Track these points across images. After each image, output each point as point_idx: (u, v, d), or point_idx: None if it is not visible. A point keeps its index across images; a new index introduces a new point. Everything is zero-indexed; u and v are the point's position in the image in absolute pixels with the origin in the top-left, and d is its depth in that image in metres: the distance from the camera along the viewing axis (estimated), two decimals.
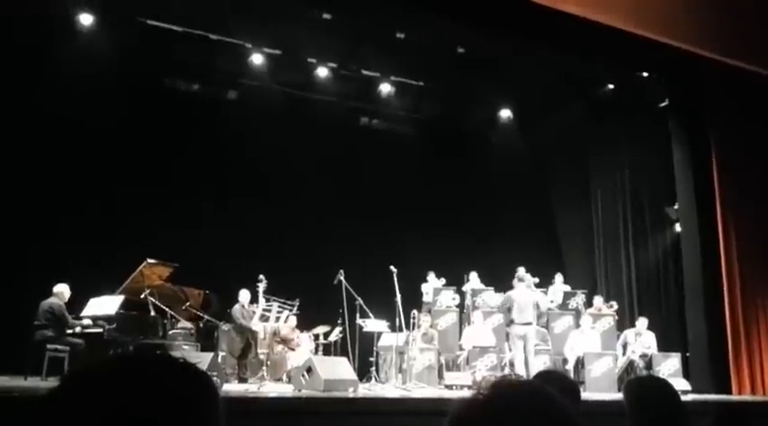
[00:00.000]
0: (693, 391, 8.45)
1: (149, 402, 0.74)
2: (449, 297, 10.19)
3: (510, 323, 8.34)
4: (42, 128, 8.80)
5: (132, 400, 0.74)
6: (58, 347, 6.81)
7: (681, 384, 8.10)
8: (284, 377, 8.37)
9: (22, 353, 6.82)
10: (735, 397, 8.53)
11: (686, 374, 9.05)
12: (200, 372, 0.83)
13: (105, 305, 7.24)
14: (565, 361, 9.35)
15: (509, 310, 8.31)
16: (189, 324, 8.29)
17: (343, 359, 7.64)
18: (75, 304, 7.32)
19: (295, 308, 9.01)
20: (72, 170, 9.03)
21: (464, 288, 10.71)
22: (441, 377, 8.68)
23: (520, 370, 8.04)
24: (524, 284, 8.60)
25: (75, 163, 9.06)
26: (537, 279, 9.82)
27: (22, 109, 8.57)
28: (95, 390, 0.75)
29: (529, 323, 8.23)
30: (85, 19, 9.22)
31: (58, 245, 8.41)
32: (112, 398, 0.74)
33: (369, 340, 8.67)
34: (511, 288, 8.60)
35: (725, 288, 9.14)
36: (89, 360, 0.83)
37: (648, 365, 9.15)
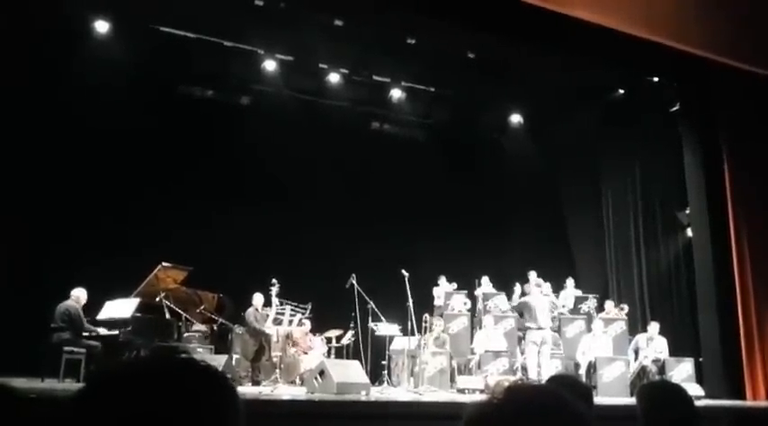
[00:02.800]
0: (707, 396, 8.39)
1: (173, 403, 0.77)
2: (460, 302, 10.21)
3: (526, 328, 8.39)
4: (60, 134, 8.94)
5: (156, 401, 0.76)
6: (75, 349, 6.90)
7: (694, 389, 8.06)
8: (297, 380, 8.44)
9: (40, 355, 6.92)
10: (749, 403, 8.48)
11: (699, 379, 9.01)
12: (221, 374, 0.85)
13: (121, 308, 7.34)
14: (577, 366, 9.33)
15: (522, 315, 8.36)
16: (203, 327, 8.39)
17: (356, 363, 7.69)
18: (92, 307, 7.42)
19: (308, 312, 9.08)
20: (88, 174, 9.16)
21: (476, 293, 10.74)
22: (452, 380, 8.71)
23: (533, 375, 8.06)
24: (539, 289, 8.66)
25: (91, 167, 9.19)
26: (548, 284, 9.84)
27: (41, 116, 8.70)
28: (121, 391, 0.77)
29: (544, 328, 8.28)
30: (101, 27, 9.34)
31: (75, 249, 8.53)
32: (137, 399, 0.76)
33: (381, 343, 8.71)
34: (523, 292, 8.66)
35: (737, 292, 9.09)
36: (109, 362, 0.86)
37: (661, 370, 9.12)
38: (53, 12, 8.58)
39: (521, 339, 9.61)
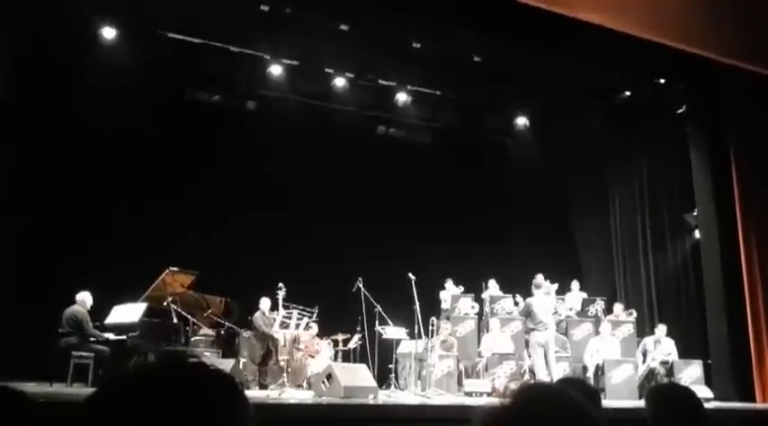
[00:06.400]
0: (716, 398, 8.35)
1: (184, 407, 0.77)
2: (467, 305, 10.19)
3: (530, 330, 8.36)
4: (68, 139, 8.99)
5: (168, 405, 0.77)
6: (83, 354, 6.92)
7: (703, 391, 8.02)
8: (304, 384, 8.43)
9: (48, 360, 6.95)
10: (759, 405, 8.41)
11: (708, 381, 8.96)
12: (230, 378, 0.85)
13: (128, 312, 7.36)
14: (585, 369, 9.30)
15: (528, 316, 8.34)
16: (210, 331, 8.41)
17: (363, 366, 7.68)
18: (100, 311, 7.45)
19: (314, 316, 9.08)
20: (96, 178, 9.20)
21: (483, 296, 10.71)
22: (460, 384, 8.69)
23: (541, 377, 8.02)
24: (542, 291, 8.63)
25: (99, 171, 9.23)
26: (557, 285, 9.83)
27: (50, 121, 8.76)
28: (133, 395, 0.78)
29: (548, 329, 8.25)
30: (109, 33, 9.40)
31: (83, 253, 8.56)
32: (149, 403, 0.77)
33: (388, 347, 8.71)
34: (530, 294, 8.64)
35: (746, 293, 9.03)
36: (117, 367, 0.86)
37: (670, 372, 9.07)
38: (62, 18, 8.64)
39: (528, 342, 9.58)
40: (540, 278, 9.74)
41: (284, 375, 8.02)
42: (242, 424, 0.83)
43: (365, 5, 8.72)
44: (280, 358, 8.52)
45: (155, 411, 0.76)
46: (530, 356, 9.05)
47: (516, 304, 10.19)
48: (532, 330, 8.30)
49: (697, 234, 10.54)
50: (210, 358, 7.77)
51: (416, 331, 8.08)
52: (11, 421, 1.14)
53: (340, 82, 11.00)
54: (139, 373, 0.83)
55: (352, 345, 9.36)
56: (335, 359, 9.05)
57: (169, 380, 0.80)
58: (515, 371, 8.69)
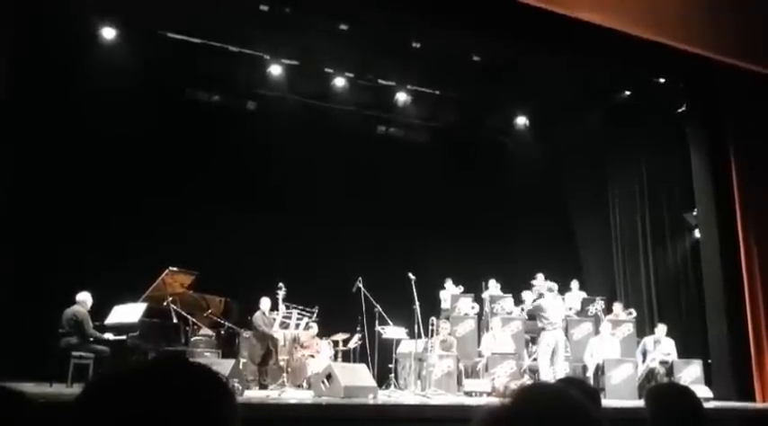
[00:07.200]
0: (715, 398, 8.35)
1: (168, 405, 0.78)
2: (467, 305, 10.19)
3: (540, 330, 8.39)
4: (68, 139, 8.98)
5: (152, 403, 0.77)
6: (83, 354, 6.92)
7: (702, 391, 8.02)
8: (304, 384, 8.44)
9: (48, 360, 6.94)
10: (759, 405, 8.42)
11: (708, 381, 8.96)
12: (217, 376, 0.85)
13: (129, 312, 7.36)
14: (584, 368, 9.30)
15: (538, 317, 8.37)
16: (210, 332, 8.41)
17: (363, 366, 7.70)
18: (100, 311, 7.45)
19: (314, 315, 9.09)
20: (96, 179, 9.20)
21: (483, 295, 10.72)
22: (460, 383, 8.69)
23: (544, 377, 8.04)
24: (552, 292, 8.67)
25: (98, 171, 9.23)
26: (555, 285, 9.85)
27: (50, 121, 8.76)
28: (117, 395, 0.79)
29: (556, 329, 8.29)
30: (108, 33, 9.40)
31: (83, 253, 8.56)
32: (132, 402, 0.77)
33: (388, 347, 8.71)
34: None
35: (746, 293, 9.03)
36: (112, 367, 0.87)
37: (669, 372, 9.07)
38: (62, 18, 8.64)
39: (528, 341, 9.59)
40: (541, 278, 9.77)
41: (284, 375, 8.02)
42: (229, 421, 0.82)
43: (365, 5, 8.72)
44: (280, 358, 8.53)
45: (141, 410, 0.76)
46: (530, 355, 9.07)
47: (522, 301, 10.20)
48: (542, 330, 8.33)
49: (697, 233, 10.54)
50: (210, 358, 7.79)
51: (416, 330, 8.09)
52: (9, 421, 1.13)
53: (339, 81, 11.00)
54: (123, 373, 0.83)
55: (351, 345, 9.37)
56: (335, 358, 9.06)
57: (156, 380, 0.80)
58: (515, 371, 8.68)
